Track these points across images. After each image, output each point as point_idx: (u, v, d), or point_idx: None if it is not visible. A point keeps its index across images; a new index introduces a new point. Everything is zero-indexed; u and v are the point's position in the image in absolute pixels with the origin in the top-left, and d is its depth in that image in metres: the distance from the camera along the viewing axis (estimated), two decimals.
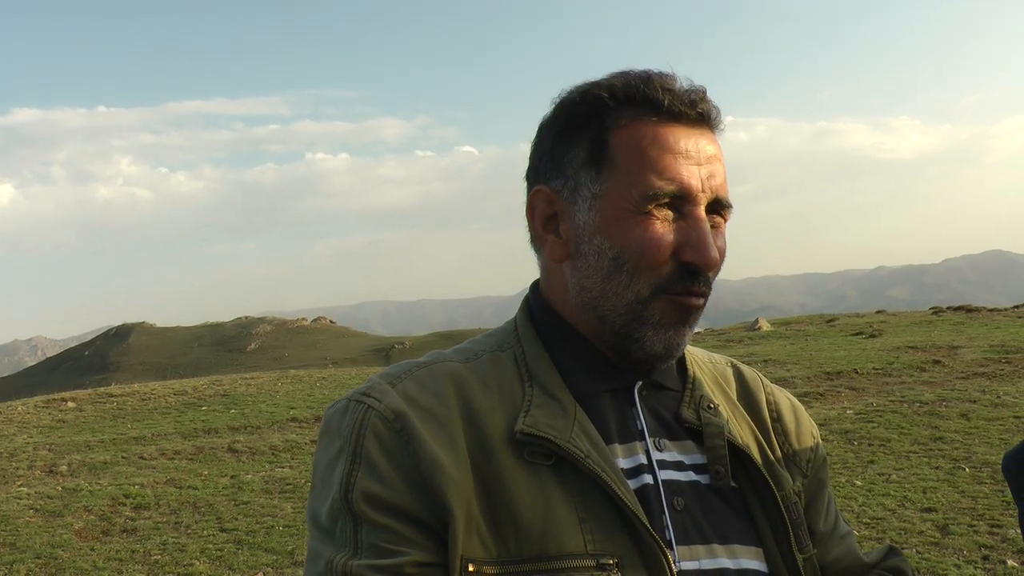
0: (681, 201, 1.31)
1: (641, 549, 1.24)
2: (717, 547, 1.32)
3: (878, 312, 28.01)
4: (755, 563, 1.35)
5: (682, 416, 1.41)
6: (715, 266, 1.32)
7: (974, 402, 11.39)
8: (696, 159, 1.32)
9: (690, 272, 1.31)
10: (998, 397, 11.56)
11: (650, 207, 1.30)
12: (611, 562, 1.22)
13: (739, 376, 1.59)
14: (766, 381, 1.62)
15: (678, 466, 1.36)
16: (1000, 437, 9.54)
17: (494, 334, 1.48)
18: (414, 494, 1.23)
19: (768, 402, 1.56)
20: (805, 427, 1.57)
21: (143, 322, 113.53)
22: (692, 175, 1.31)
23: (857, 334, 20.70)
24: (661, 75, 1.35)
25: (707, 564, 1.30)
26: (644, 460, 1.34)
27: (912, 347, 16.63)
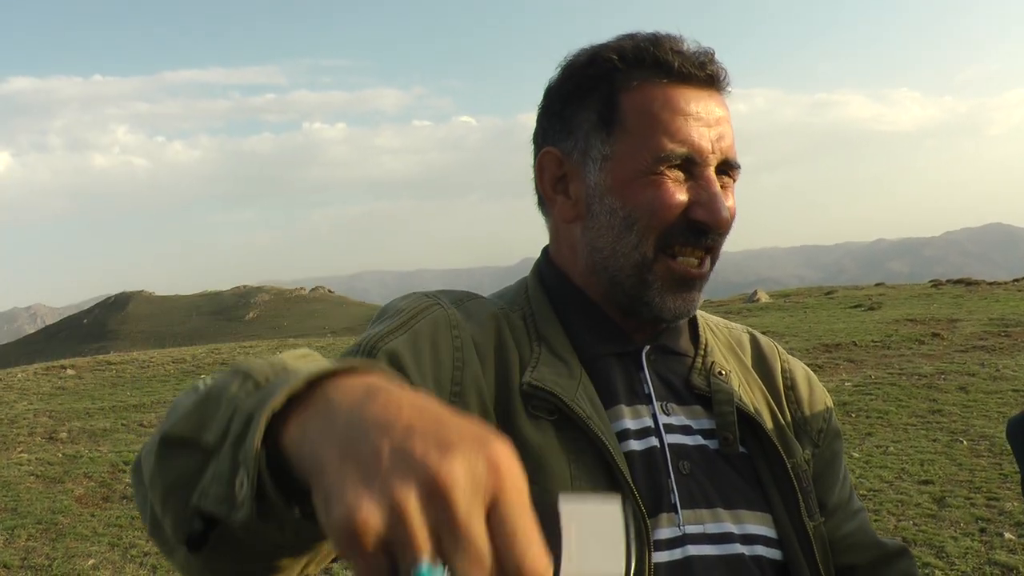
0: (691, 163, 1.32)
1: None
2: (722, 511, 1.33)
3: (877, 285, 27.99)
4: (762, 528, 1.36)
5: (691, 382, 1.42)
6: (725, 225, 1.34)
7: (973, 375, 11.41)
8: (706, 121, 1.33)
9: (698, 230, 1.32)
10: (997, 370, 11.57)
11: (662, 168, 1.31)
12: None
13: (755, 344, 1.60)
14: (782, 350, 1.63)
15: (685, 430, 1.37)
16: (998, 410, 9.55)
17: (504, 294, 1.49)
18: (434, 389, 1.25)
19: (783, 370, 1.57)
20: (819, 397, 1.58)
21: (142, 291, 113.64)
22: (702, 137, 1.32)
23: (856, 307, 20.68)
24: (669, 37, 1.35)
25: (712, 528, 1.31)
26: (650, 424, 1.35)
27: (911, 320, 16.63)
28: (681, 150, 1.31)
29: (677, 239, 1.33)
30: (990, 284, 23.72)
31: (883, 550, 1.53)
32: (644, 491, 1.28)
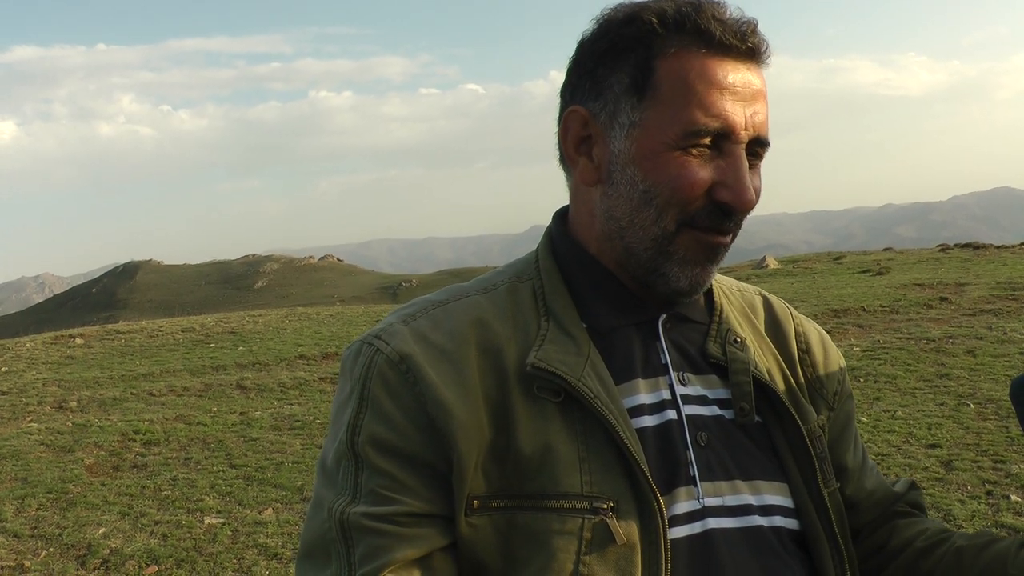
0: (723, 138, 1.27)
1: (637, 495, 1.22)
2: (740, 483, 1.32)
3: (885, 250, 27.98)
4: (779, 498, 1.35)
5: (707, 350, 1.40)
6: (750, 207, 1.29)
7: (980, 339, 11.40)
8: (742, 95, 1.27)
9: (722, 211, 1.28)
10: (1004, 334, 11.55)
11: (690, 143, 1.26)
12: (605, 506, 1.21)
13: (768, 306, 1.57)
14: (795, 312, 1.61)
15: (702, 401, 1.35)
16: (1006, 373, 9.55)
17: (514, 264, 1.45)
18: (421, 435, 1.23)
19: (797, 333, 1.55)
20: (833, 359, 1.57)
21: (150, 260, 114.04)
22: (736, 112, 1.26)
23: (864, 272, 20.67)
24: (712, 3, 1.29)
25: (731, 500, 1.30)
26: (667, 395, 1.33)
27: (919, 284, 16.60)
28: (715, 124, 1.25)
29: (699, 219, 1.29)
30: (997, 248, 23.67)
31: (897, 494, 1.57)
32: (660, 466, 1.26)
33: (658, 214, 1.29)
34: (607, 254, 1.37)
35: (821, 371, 1.53)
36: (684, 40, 1.27)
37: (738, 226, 1.34)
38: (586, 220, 1.39)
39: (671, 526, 1.24)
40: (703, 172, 1.27)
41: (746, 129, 1.28)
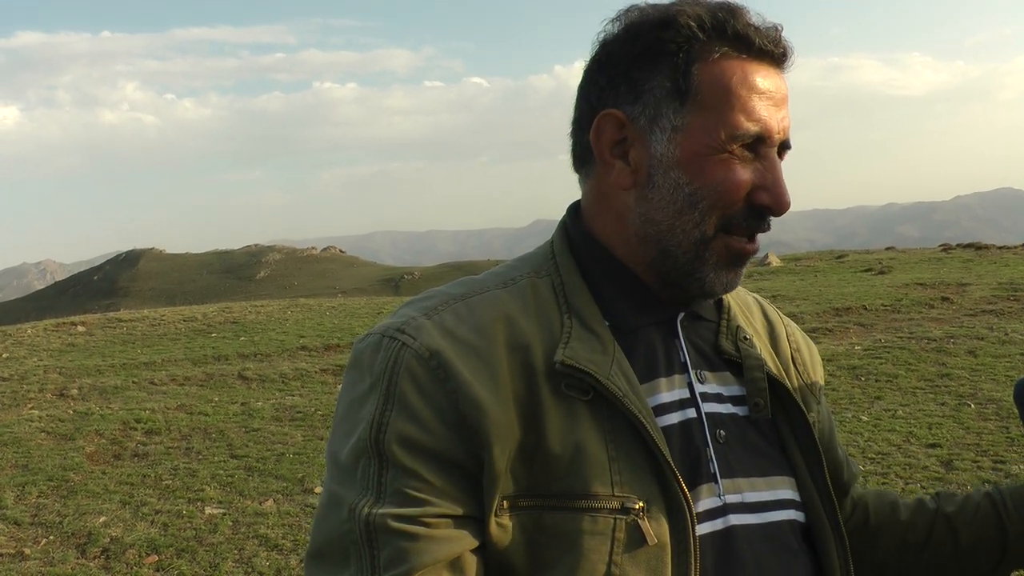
0: (759, 142, 1.29)
1: (666, 494, 1.23)
2: (756, 479, 1.33)
3: (888, 249, 27.96)
4: (789, 492, 1.37)
5: (720, 347, 1.41)
6: (787, 209, 1.31)
7: (981, 339, 11.40)
8: (775, 100, 1.30)
9: (759, 213, 1.31)
10: (1006, 334, 11.57)
11: (734, 147, 1.27)
12: (636, 506, 1.21)
13: (761, 307, 1.60)
14: (782, 314, 1.64)
15: (718, 398, 1.36)
16: (1006, 374, 9.57)
17: (529, 259, 1.42)
18: (451, 434, 1.20)
19: (787, 333, 1.58)
20: (816, 359, 1.61)
21: (152, 248, 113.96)
22: (772, 116, 1.29)
23: (866, 270, 20.66)
24: (741, 8, 1.30)
25: (749, 496, 1.31)
26: (687, 394, 1.33)
27: (921, 284, 16.60)
28: (755, 129, 1.27)
29: (738, 221, 1.30)
30: (1000, 248, 23.66)
31: (853, 472, 1.66)
32: (683, 464, 1.27)
33: (701, 217, 1.29)
34: (637, 256, 1.36)
35: (810, 369, 1.56)
36: (724, 45, 1.29)
37: (769, 227, 1.35)
38: (611, 221, 1.38)
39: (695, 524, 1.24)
40: (745, 174, 1.28)
41: (778, 133, 1.30)
